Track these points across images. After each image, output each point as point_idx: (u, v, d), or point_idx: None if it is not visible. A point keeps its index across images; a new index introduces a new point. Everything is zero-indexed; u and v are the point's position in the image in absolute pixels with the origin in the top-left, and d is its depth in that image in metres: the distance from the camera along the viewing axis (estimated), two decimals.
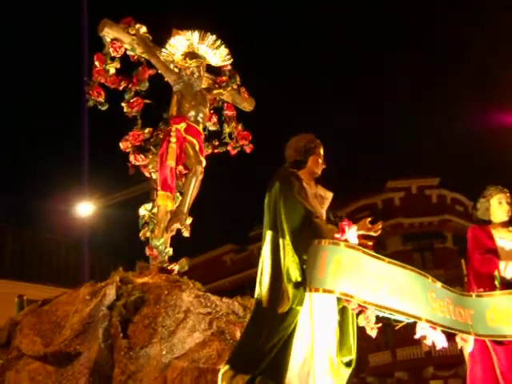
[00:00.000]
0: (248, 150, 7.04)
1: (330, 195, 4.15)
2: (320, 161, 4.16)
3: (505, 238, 4.71)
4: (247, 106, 7.21)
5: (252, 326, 3.79)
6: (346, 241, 3.49)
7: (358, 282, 3.41)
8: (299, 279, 3.59)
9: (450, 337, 3.91)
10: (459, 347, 4.10)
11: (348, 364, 3.82)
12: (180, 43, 6.39)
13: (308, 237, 3.54)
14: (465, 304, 4.01)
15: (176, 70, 6.44)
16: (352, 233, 3.56)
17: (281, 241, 3.69)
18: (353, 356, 3.83)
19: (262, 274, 3.77)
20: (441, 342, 3.74)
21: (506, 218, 4.82)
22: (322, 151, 4.18)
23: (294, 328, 3.58)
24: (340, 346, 3.77)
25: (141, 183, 9.63)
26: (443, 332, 3.77)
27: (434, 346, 3.76)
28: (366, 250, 3.55)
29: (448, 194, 33.66)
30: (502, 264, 4.51)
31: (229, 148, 6.98)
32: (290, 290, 3.57)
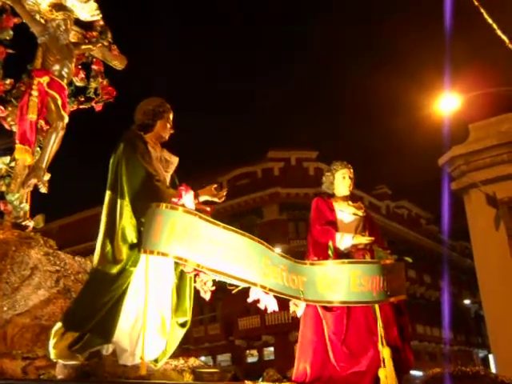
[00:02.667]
0: (110, 101, 6.91)
1: (175, 160, 4.21)
2: (168, 125, 4.21)
3: (344, 210, 5.02)
4: (118, 64, 7.05)
5: (86, 285, 3.84)
6: (183, 205, 3.54)
7: (192, 246, 3.49)
8: (135, 241, 3.65)
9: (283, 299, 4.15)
10: (291, 311, 4.40)
11: (183, 325, 3.96)
12: None
13: (147, 200, 3.59)
14: (299, 271, 4.24)
15: (42, 21, 6.19)
16: (189, 198, 3.61)
17: (119, 201, 3.73)
18: (188, 317, 3.96)
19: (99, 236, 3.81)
20: (272, 306, 3.95)
21: (347, 193, 5.13)
22: (171, 116, 4.24)
23: (127, 288, 3.65)
24: (176, 308, 3.90)
25: None
26: (275, 296, 3.99)
27: (265, 309, 4.00)
28: (202, 215, 3.61)
29: (324, 167, 34.58)
30: (338, 235, 4.79)
31: (93, 103, 6.84)
32: (125, 250, 3.63)
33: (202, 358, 34.25)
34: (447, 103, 11.60)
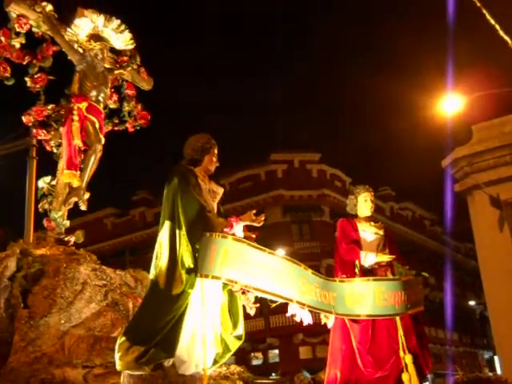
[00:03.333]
0: (145, 126, 7.41)
1: (221, 190, 4.71)
2: (214, 159, 4.68)
3: (366, 230, 5.55)
4: (145, 85, 7.53)
5: (148, 303, 4.28)
6: (233, 235, 4.06)
7: (241, 270, 4.00)
8: (192, 266, 4.09)
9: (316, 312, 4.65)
10: (323, 323, 4.89)
11: (239, 338, 4.46)
12: (85, 25, 6.59)
13: (201, 229, 4.07)
14: (329, 288, 4.78)
15: (80, 50, 6.63)
16: (239, 228, 4.15)
17: (177, 231, 4.18)
18: (242, 331, 4.46)
19: (157, 259, 4.26)
20: (307, 319, 4.48)
21: (369, 214, 5.66)
22: (216, 151, 4.70)
23: (186, 308, 4.10)
24: (233, 323, 4.38)
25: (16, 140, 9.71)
26: (310, 311, 4.50)
27: (301, 321, 4.50)
28: (250, 242, 4.13)
29: (328, 169, 35.00)
30: (362, 254, 5.33)
31: (127, 125, 7.30)
32: (184, 274, 4.08)
33: None
34: (450, 104, 11.58)
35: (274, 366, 30.32)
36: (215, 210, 4.54)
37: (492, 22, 8.21)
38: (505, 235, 12.69)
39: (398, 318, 5.03)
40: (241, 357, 33.19)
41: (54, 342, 4.90)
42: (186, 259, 4.11)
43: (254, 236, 4.34)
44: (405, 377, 4.87)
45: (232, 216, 4.26)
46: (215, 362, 4.38)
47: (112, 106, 7.18)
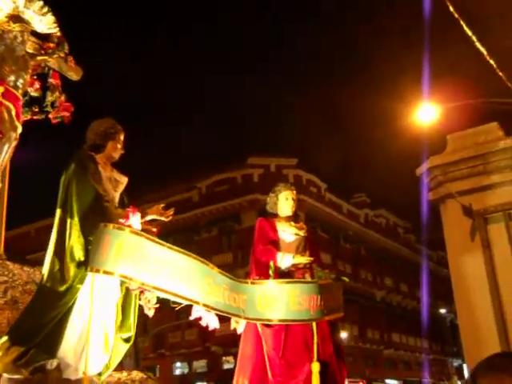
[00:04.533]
0: (66, 120, 6.94)
1: (124, 180, 4.35)
2: (119, 146, 4.35)
3: (286, 231, 5.18)
4: (74, 75, 7.07)
5: (33, 300, 3.93)
6: (129, 226, 3.71)
7: (138, 266, 3.66)
8: (82, 259, 3.76)
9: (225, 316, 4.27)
10: (232, 327, 4.50)
11: (127, 340, 4.09)
12: (4, 4, 6.15)
13: (96, 219, 3.74)
14: (240, 290, 4.42)
15: None
16: (136, 219, 3.80)
17: (68, 220, 3.84)
18: (131, 333, 4.09)
19: (47, 252, 3.90)
20: (213, 323, 4.16)
21: (290, 213, 5.28)
22: (122, 137, 4.38)
23: (73, 305, 3.76)
24: (121, 324, 4.03)
25: None
26: (217, 314, 4.13)
27: (207, 326, 4.12)
28: (149, 235, 3.79)
29: (304, 174, 35.07)
30: (279, 255, 4.95)
31: (50, 116, 6.85)
32: (72, 268, 3.74)
33: (178, 364, 34.22)
34: (425, 114, 11.60)
35: None
36: (116, 201, 4.20)
37: (469, 33, 8.13)
38: (476, 245, 12.69)
39: (314, 324, 4.65)
40: (212, 360, 33.01)
41: None
42: (77, 251, 3.78)
43: (154, 230, 4.00)
44: None
45: (129, 206, 3.90)
46: (107, 367, 4.01)
47: (33, 93, 6.71)
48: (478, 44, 8.41)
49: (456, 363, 43.22)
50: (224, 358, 32.97)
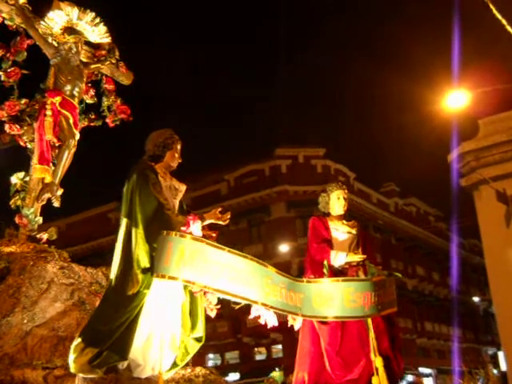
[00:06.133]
0: (127, 121, 7.23)
1: (183, 187, 4.54)
2: (176, 155, 4.53)
3: (338, 229, 5.36)
4: (125, 80, 7.37)
5: (103, 304, 4.15)
6: (190, 233, 3.90)
7: (200, 270, 3.84)
8: (148, 265, 3.96)
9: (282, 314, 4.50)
10: (289, 324, 4.72)
11: (199, 339, 4.32)
12: (59, 17, 6.47)
13: (158, 228, 3.92)
14: (296, 288, 4.58)
15: (54, 43, 6.51)
16: (196, 226, 3.99)
17: (133, 230, 4.05)
18: (202, 333, 4.31)
19: (115, 258, 4.13)
20: (272, 322, 4.32)
21: (342, 212, 5.46)
22: (179, 146, 4.55)
23: (141, 309, 3.97)
24: (193, 325, 4.23)
25: None
26: (275, 312, 4.34)
27: (266, 324, 4.34)
28: (209, 241, 3.97)
29: (332, 164, 34.89)
30: (332, 253, 5.14)
31: (107, 121, 7.16)
32: (139, 275, 3.95)
33: (210, 356, 34.55)
34: (456, 99, 11.56)
35: (278, 361, 30.24)
36: (176, 208, 4.40)
37: (498, 16, 8.11)
38: (511, 230, 12.54)
39: (369, 320, 4.84)
40: (244, 352, 33.31)
41: (16, 342, 4.76)
42: (142, 259, 3.98)
43: (214, 235, 4.19)
44: (375, 381, 4.68)
45: (191, 214, 4.12)
46: (175, 365, 4.25)
47: (89, 101, 7.03)
48: (508, 27, 8.39)
49: (491, 351, 42.89)
50: (256, 349, 33.18)
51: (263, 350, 33.01)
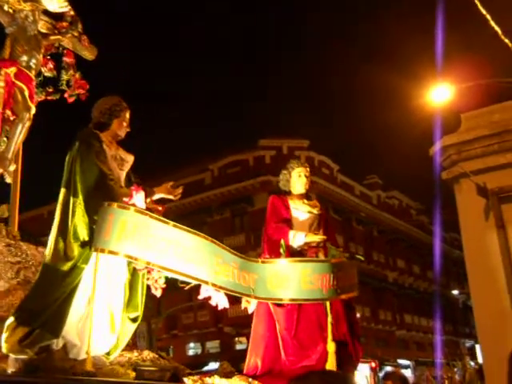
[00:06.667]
0: (83, 97, 6.90)
1: (131, 158, 4.26)
2: (125, 124, 4.26)
3: (299, 208, 5.09)
4: (88, 54, 7.00)
5: (38, 280, 3.88)
6: (133, 205, 3.64)
7: (143, 245, 3.60)
8: (86, 238, 3.71)
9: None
10: (243, 307, 4.48)
11: (134, 319, 4.05)
12: None
13: (100, 199, 3.67)
14: (250, 269, 4.35)
15: (10, 11, 6.17)
16: (140, 197, 3.72)
17: (72, 199, 3.78)
18: (139, 312, 4.04)
19: (52, 232, 3.86)
20: (222, 303, 4.09)
21: (303, 191, 5.20)
22: (127, 115, 4.28)
23: (77, 285, 3.71)
24: (128, 303, 3.97)
25: None
26: (226, 294, 4.10)
27: (217, 306, 4.10)
28: (153, 214, 3.71)
29: (316, 156, 34.90)
30: (291, 233, 4.86)
31: (65, 95, 6.83)
32: (76, 248, 3.69)
33: (191, 345, 34.49)
34: (439, 94, 11.52)
35: None
36: (122, 180, 4.13)
37: (483, 11, 8.01)
38: (490, 224, 12.52)
39: (327, 303, 4.59)
40: (225, 341, 33.21)
41: None
42: (81, 230, 3.72)
43: (160, 209, 3.93)
44: (330, 366, 4.45)
45: (133, 184, 3.85)
46: (115, 347, 3.99)
47: (47, 73, 6.66)
48: (492, 23, 8.31)
49: (468, 344, 43.14)
50: (236, 338, 33.15)
51: (244, 339, 32.83)
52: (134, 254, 3.58)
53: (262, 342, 4.70)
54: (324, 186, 33.67)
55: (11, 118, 6.08)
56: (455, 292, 42.59)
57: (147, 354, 4.47)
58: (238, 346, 32.85)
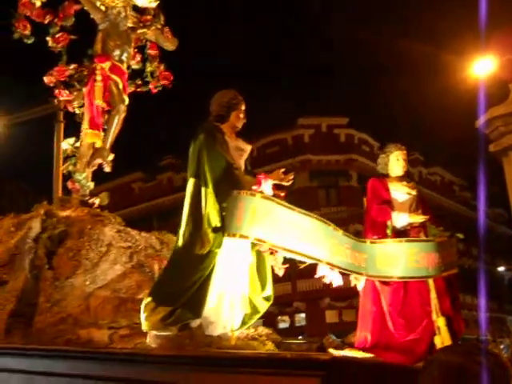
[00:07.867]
0: (169, 87, 7.20)
1: (248, 148, 4.53)
2: (241, 116, 4.49)
3: (398, 190, 5.30)
4: (170, 45, 7.30)
5: (173, 263, 4.18)
6: (261, 192, 3.90)
7: (269, 229, 3.85)
8: (219, 225, 3.97)
9: (346, 274, 4.51)
10: (352, 284, 4.74)
11: (267, 299, 4.37)
12: None
13: (228, 187, 3.92)
14: (360, 249, 4.62)
15: (102, 8, 6.47)
16: (267, 185, 3.99)
17: (203, 189, 4.05)
18: (271, 292, 4.35)
19: (184, 218, 4.14)
20: (337, 281, 4.33)
21: (401, 173, 5.42)
22: (243, 107, 4.52)
23: (213, 268, 3.99)
24: (260, 284, 4.26)
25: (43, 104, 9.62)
26: (340, 272, 4.36)
27: (331, 283, 4.36)
28: (279, 200, 3.98)
29: (356, 133, 34.54)
30: (394, 214, 5.09)
31: (150, 86, 7.14)
32: (210, 234, 3.96)
33: None
34: (483, 66, 11.43)
35: (301, 329, 30.46)
36: (242, 168, 4.39)
37: None
38: None
39: (430, 281, 4.83)
40: (268, 320, 33.43)
41: (79, 303, 4.85)
42: (213, 218, 3.99)
43: (282, 194, 4.18)
44: (437, 340, 4.69)
45: (260, 173, 4.11)
46: (243, 323, 4.30)
47: (135, 66, 7.01)
48: None
49: None
50: (279, 317, 33.38)
51: (286, 318, 33.18)
52: (262, 237, 3.83)
53: (369, 317, 4.94)
54: (365, 164, 33.41)
55: (106, 110, 6.41)
56: (501, 269, 42.20)
57: (262, 330, 4.80)
58: (281, 325, 33.18)
